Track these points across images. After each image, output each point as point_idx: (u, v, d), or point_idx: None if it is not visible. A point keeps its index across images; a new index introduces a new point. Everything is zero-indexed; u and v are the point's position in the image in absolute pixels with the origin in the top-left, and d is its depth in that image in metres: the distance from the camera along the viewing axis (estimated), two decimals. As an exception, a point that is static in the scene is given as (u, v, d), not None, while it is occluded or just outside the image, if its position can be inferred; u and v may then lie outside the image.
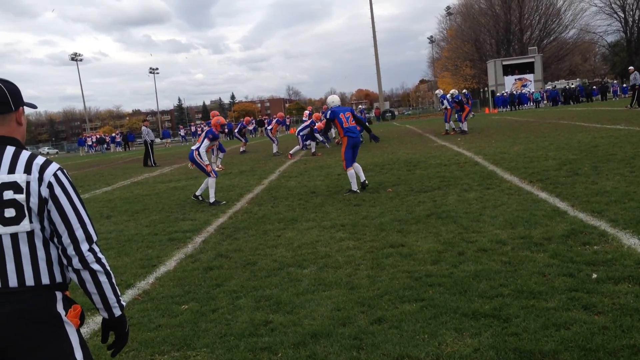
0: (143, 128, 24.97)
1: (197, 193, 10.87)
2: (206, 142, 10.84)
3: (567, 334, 3.49)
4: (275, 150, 22.60)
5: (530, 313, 3.89)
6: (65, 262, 2.09)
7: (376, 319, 4.10)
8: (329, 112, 10.68)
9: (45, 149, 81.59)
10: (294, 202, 9.63)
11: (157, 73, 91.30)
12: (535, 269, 4.80)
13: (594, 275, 4.47)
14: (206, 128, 11.62)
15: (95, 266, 2.10)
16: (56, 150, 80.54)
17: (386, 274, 5.12)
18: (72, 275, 2.11)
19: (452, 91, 23.76)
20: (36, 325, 1.99)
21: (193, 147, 11.00)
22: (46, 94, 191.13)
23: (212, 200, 10.44)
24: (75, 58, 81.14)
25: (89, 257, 2.09)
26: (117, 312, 2.20)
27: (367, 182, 10.46)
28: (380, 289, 4.72)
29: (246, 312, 4.53)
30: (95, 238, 2.14)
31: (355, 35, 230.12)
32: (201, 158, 10.56)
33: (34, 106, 2.35)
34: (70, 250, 2.07)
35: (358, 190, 10.09)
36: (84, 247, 2.08)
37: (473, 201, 8.04)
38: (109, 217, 10.12)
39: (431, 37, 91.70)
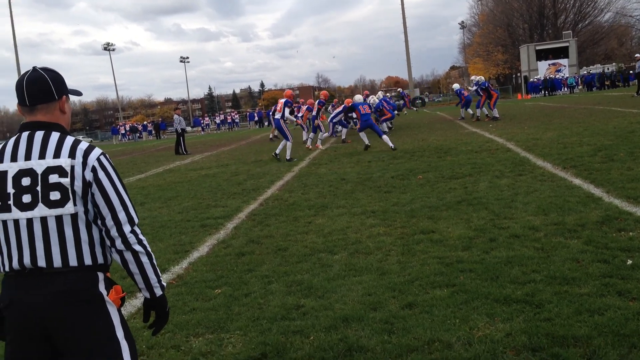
0: (175, 116, 25.18)
1: (277, 152, 15.09)
2: (287, 109, 14.94)
3: (601, 320, 3.46)
4: (305, 137, 22.60)
5: (563, 299, 3.87)
6: (108, 243, 2.16)
7: (407, 304, 4.11)
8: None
9: (80, 138, 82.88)
10: (324, 189, 9.67)
11: (188, 62, 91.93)
12: (569, 255, 4.76)
13: (629, 262, 4.41)
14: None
15: (137, 247, 2.17)
16: (90, 139, 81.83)
17: (417, 260, 5.13)
18: (115, 256, 2.18)
19: (477, 78, 23.57)
20: (79, 304, 2.07)
21: (276, 117, 15.38)
22: (80, 83, 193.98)
23: (288, 157, 14.74)
24: (107, 48, 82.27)
25: (131, 239, 2.16)
26: (158, 291, 2.27)
27: (369, 144, 15.25)
28: (411, 275, 4.74)
29: (278, 296, 4.59)
30: (137, 220, 2.22)
31: (386, 21, 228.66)
32: (285, 123, 14.88)
33: (79, 93, 2.41)
34: (114, 232, 2.14)
35: (369, 144, 15.32)
36: (127, 229, 2.16)
37: (505, 187, 7.97)
38: (143, 203, 10.30)
39: (462, 22, 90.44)
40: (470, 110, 25.58)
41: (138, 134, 62.17)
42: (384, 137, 14.99)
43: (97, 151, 2.18)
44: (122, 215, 2.15)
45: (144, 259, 2.20)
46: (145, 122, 70.07)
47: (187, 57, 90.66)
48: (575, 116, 19.15)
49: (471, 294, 4.15)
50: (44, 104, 2.17)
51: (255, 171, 13.55)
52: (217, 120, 64.58)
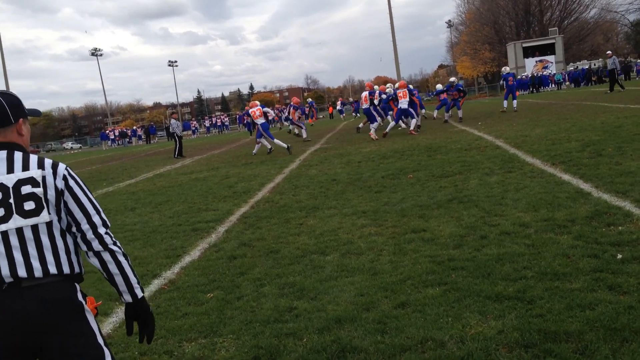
0: (172, 121, 25.03)
1: (308, 138, 18.70)
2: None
3: (592, 315, 3.48)
4: (304, 135, 22.60)
5: (554, 294, 3.88)
6: (85, 247, 2.22)
7: (399, 304, 4.12)
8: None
9: (69, 144, 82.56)
10: (315, 190, 9.67)
11: (176, 65, 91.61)
12: (559, 250, 4.78)
13: (619, 256, 4.43)
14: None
15: (114, 247, 2.24)
16: (79, 145, 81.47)
17: (409, 259, 5.14)
18: (94, 260, 2.23)
19: (451, 79, 24.21)
20: (62, 313, 2.10)
21: (261, 122, 17.74)
22: (67, 89, 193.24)
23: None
24: (95, 53, 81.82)
25: (108, 239, 2.22)
26: (140, 293, 2.31)
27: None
28: (403, 274, 4.74)
29: (270, 299, 4.58)
30: (109, 225, 2.29)
31: (373, 21, 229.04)
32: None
33: (38, 113, 2.49)
34: (90, 235, 2.20)
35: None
36: (102, 230, 2.23)
37: (495, 185, 8.00)
38: (134, 209, 10.26)
39: (449, 21, 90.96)
40: (424, 111, 26.15)
41: (127, 139, 61.94)
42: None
43: (63, 164, 2.26)
44: (96, 219, 2.23)
45: (122, 258, 2.25)
46: (134, 127, 69.76)
47: (175, 61, 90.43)
48: (563, 112, 19.27)
49: (463, 292, 4.16)
50: (1, 128, 2.20)
51: (245, 174, 13.52)
52: (207, 123, 64.01)
